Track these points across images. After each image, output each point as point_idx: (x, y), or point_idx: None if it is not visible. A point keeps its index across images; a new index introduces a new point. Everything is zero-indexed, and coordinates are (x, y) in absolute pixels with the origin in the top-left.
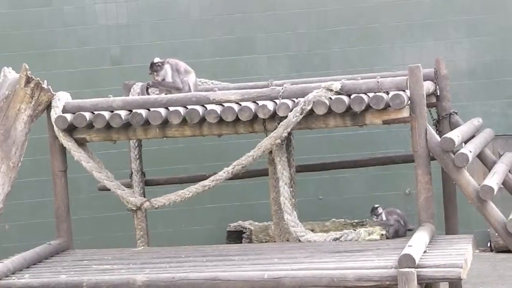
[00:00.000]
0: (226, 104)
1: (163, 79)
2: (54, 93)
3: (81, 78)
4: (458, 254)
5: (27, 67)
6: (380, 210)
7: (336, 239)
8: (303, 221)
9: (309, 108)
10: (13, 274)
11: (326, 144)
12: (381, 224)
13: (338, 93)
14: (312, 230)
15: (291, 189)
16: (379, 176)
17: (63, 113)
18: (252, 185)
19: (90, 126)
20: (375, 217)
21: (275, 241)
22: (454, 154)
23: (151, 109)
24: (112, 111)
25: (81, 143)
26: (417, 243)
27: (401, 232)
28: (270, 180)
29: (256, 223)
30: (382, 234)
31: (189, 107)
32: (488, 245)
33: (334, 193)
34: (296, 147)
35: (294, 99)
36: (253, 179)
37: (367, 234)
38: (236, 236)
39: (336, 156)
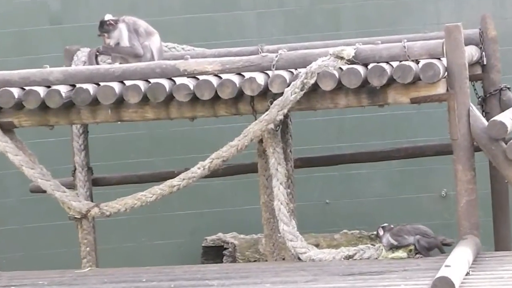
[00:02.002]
0: (201, 77)
1: (117, 43)
2: None
3: (8, 42)
4: None
5: None
6: (381, 231)
7: (348, 257)
8: (304, 233)
9: (312, 82)
10: None
11: (334, 130)
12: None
13: (351, 62)
14: (317, 245)
15: (289, 190)
16: (405, 173)
17: None
18: (236, 186)
19: (19, 106)
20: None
21: (266, 260)
22: (506, 144)
23: (101, 84)
24: (48, 86)
25: (7, 129)
26: (457, 263)
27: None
28: (260, 179)
29: (242, 236)
30: (410, 250)
31: (151, 80)
32: None
33: (346, 195)
34: (295, 135)
35: (292, 70)
36: (238, 177)
37: (390, 250)
38: (215, 254)
39: (348, 146)
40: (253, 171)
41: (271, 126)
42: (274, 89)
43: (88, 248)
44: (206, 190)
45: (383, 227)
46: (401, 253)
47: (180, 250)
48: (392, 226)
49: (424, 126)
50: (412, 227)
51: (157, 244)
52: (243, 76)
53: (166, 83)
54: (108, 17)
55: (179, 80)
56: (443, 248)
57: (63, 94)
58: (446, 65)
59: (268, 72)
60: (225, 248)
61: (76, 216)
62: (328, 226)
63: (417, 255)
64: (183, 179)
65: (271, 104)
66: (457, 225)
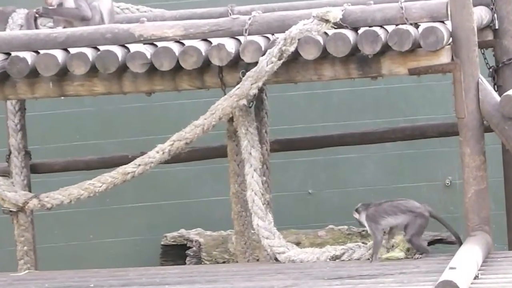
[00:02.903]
0: (160, 44)
1: (60, 4)
2: None
3: None
4: None
5: None
6: (356, 215)
7: (335, 258)
8: (283, 229)
9: (292, 49)
10: None
11: (319, 107)
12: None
13: (338, 25)
14: (298, 244)
15: (264, 178)
16: (403, 157)
17: None
18: (201, 173)
19: None
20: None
21: (237, 261)
22: None
23: (41, 52)
24: None
25: None
26: (464, 264)
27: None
28: (230, 165)
29: (208, 232)
30: (408, 249)
31: (101, 48)
32: None
33: (332, 184)
34: (272, 113)
35: (269, 36)
36: (204, 163)
37: (384, 250)
38: (176, 253)
39: (335, 126)
40: (221, 156)
41: (243, 102)
42: (247, 58)
43: (25, 247)
44: (166, 178)
45: (357, 209)
46: (397, 253)
47: (135, 250)
48: (370, 204)
49: (425, 102)
50: (391, 205)
51: (107, 243)
52: (210, 42)
53: (118, 50)
54: None
55: (133, 47)
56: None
57: None
58: (451, 29)
59: (239, 37)
60: (189, 247)
61: (11, 209)
62: (311, 221)
63: (417, 255)
64: (139, 165)
65: (243, 76)
66: (464, 219)
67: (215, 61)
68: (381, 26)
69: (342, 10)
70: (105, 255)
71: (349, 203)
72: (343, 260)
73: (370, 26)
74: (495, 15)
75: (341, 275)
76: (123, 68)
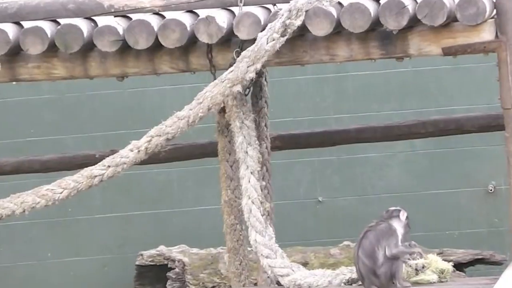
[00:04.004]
0: (135, 16)
1: None
2: None
3: None
4: None
5: None
6: (404, 214)
7: (351, 282)
8: (287, 246)
9: (298, 23)
10: None
11: (331, 95)
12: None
13: None
14: (305, 264)
15: (264, 183)
16: (435, 157)
17: None
18: (186, 176)
19: None
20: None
21: (230, 286)
22: None
23: None
24: None
25: None
26: None
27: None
28: (221, 166)
29: (194, 250)
30: (442, 271)
31: (61, 21)
32: None
33: (348, 190)
34: (274, 102)
35: (269, 6)
36: (188, 164)
37: (413, 271)
38: (154, 276)
39: (351, 118)
40: (211, 155)
41: (238, 88)
42: (243, 34)
43: None
44: (142, 182)
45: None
46: (428, 275)
47: (103, 271)
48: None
49: (462, 89)
50: None
51: (68, 263)
52: (197, 15)
53: (83, 25)
54: None
55: (102, 21)
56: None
57: None
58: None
59: (233, 8)
60: (170, 268)
61: None
62: (321, 235)
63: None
64: (108, 167)
65: (238, 56)
66: (511, 233)
67: (203, 38)
68: None
69: None
70: (66, 278)
71: (369, 214)
72: (360, 285)
73: None
74: None
75: None
76: (89, 47)
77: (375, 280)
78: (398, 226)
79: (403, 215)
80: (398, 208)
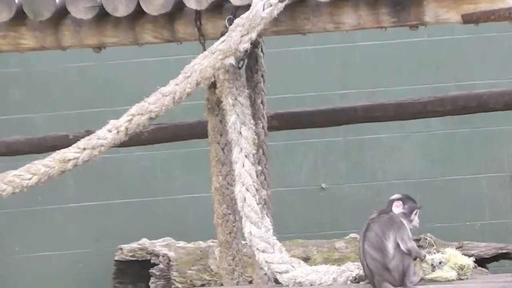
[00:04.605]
0: None
1: None
2: None
3: None
4: None
5: None
6: (399, 204)
7: (359, 280)
8: (286, 239)
9: None
10: None
11: (336, 68)
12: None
13: None
14: (307, 260)
15: (259, 168)
16: (454, 139)
17: None
18: (171, 160)
19: None
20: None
21: (222, 284)
22: None
23: None
24: None
25: None
26: None
27: None
28: (211, 149)
29: (181, 243)
30: (462, 267)
31: None
32: None
33: (355, 176)
34: (271, 76)
35: None
36: (174, 146)
37: (429, 267)
38: (135, 272)
39: (359, 94)
40: (199, 137)
41: (231, 60)
42: (236, 0)
43: None
44: (121, 167)
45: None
46: (446, 272)
47: (77, 268)
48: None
49: (484, 61)
50: None
51: (39, 258)
52: None
53: None
54: None
55: None
56: None
57: None
58: None
59: None
60: (153, 264)
61: None
62: (325, 227)
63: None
64: (83, 149)
65: (230, 24)
66: None
67: (191, 4)
68: None
69: None
70: (36, 275)
71: (378, 203)
72: (369, 283)
73: None
74: None
75: None
76: (61, 14)
77: (387, 275)
78: (401, 216)
79: (396, 206)
80: (393, 197)
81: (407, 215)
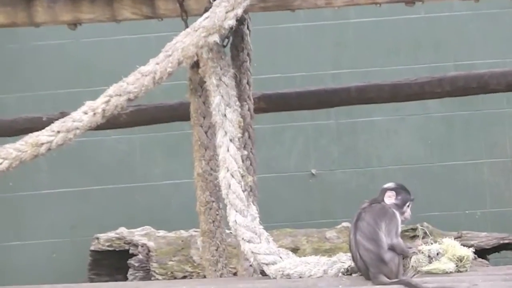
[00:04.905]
0: None
1: None
2: None
3: None
4: None
5: None
6: (392, 194)
7: (351, 272)
8: (273, 228)
9: None
10: None
11: (328, 47)
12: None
13: None
14: (296, 250)
15: (245, 152)
16: (453, 122)
17: None
18: (151, 144)
19: None
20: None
21: (205, 276)
22: None
23: None
24: None
25: None
26: None
27: None
28: (194, 133)
29: (161, 232)
30: (460, 259)
31: None
32: None
33: (347, 161)
34: (258, 55)
35: None
36: (154, 129)
37: (425, 259)
38: (112, 264)
39: (352, 74)
40: (181, 119)
41: (215, 38)
42: None
43: None
44: (98, 151)
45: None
46: (444, 264)
47: (51, 258)
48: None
49: (485, 39)
50: None
51: (10, 248)
52: None
53: None
54: None
55: None
56: None
57: None
58: None
59: None
60: (132, 255)
61: None
62: (315, 215)
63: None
64: (58, 132)
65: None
66: None
67: None
68: None
69: None
70: (6, 266)
71: (373, 191)
72: (362, 276)
73: None
74: None
75: None
76: None
77: (383, 267)
78: (393, 207)
79: (389, 197)
80: (386, 186)
81: (399, 206)
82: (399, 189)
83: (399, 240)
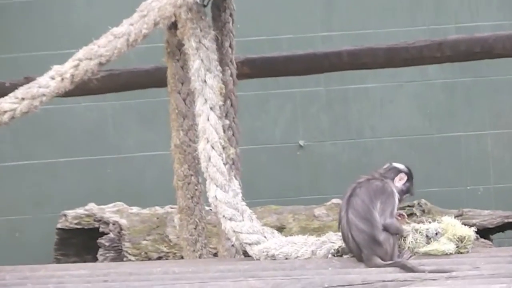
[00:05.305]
0: None
1: None
2: None
3: None
4: None
5: None
6: (404, 177)
7: (342, 253)
8: (257, 205)
9: None
10: None
11: (317, 6)
12: None
13: None
14: (282, 229)
15: (227, 122)
16: (454, 89)
17: None
18: (124, 112)
19: None
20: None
21: (182, 257)
22: None
23: None
24: None
25: None
26: None
27: None
28: (171, 100)
29: (134, 209)
30: (461, 239)
31: None
32: None
33: (338, 132)
34: (241, 16)
35: None
36: (127, 96)
37: (423, 239)
38: (80, 243)
39: (343, 37)
40: (157, 85)
41: None
42: None
43: None
44: (66, 120)
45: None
46: (443, 245)
47: (14, 238)
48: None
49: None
50: None
51: None
52: None
53: None
54: None
55: None
56: None
57: None
58: None
59: None
60: (103, 233)
61: None
62: (303, 191)
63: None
64: (22, 99)
65: None
66: None
67: None
68: None
69: None
70: None
71: (366, 164)
72: (354, 257)
73: None
74: None
75: (351, 281)
76: None
77: (377, 248)
78: (396, 189)
79: (400, 179)
80: (398, 166)
81: (401, 193)
82: (411, 177)
83: (393, 220)
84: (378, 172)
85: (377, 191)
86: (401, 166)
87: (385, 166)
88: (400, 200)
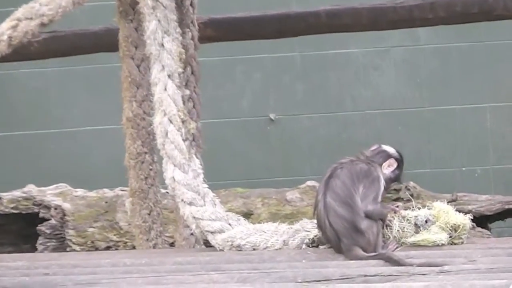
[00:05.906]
0: None
1: None
2: None
3: None
4: None
5: None
6: (394, 163)
7: (318, 243)
8: (221, 187)
9: None
10: None
11: None
12: None
13: None
14: (249, 216)
15: (187, 92)
16: (449, 57)
17: None
18: (68, 80)
19: None
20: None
21: (134, 247)
22: None
23: None
24: None
25: None
26: None
27: None
28: (123, 66)
29: (79, 192)
30: (456, 228)
31: None
32: None
33: (315, 104)
34: None
35: None
36: (73, 61)
37: (411, 228)
38: (18, 230)
39: None
40: (107, 49)
41: None
42: None
43: None
44: (3, 88)
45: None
46: (434, 234)
47: None
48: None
49: None
50: None
51: None
52: None
53: None
54: None
55: None
56: None
57: None
58: None
59: None
60: (43, 219)
61: None
62: (273, 171)
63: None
64: None
65: None
66: None
67: None
68: None
69: None
70: None
71: (346, 140)
72: (332, 248)
73: None
74: None
75: (328, 276)
76: None
77: (358, 238)
78: (383, 175)
79: (389, 165)
80: (388, 150)
81: (389, 181)
82: (402, 163)
83: (377, 207)
84: (364, 154)
85: (361, 173)
86: (391, 150)
87: (372, 148)
88: (386, 189)
